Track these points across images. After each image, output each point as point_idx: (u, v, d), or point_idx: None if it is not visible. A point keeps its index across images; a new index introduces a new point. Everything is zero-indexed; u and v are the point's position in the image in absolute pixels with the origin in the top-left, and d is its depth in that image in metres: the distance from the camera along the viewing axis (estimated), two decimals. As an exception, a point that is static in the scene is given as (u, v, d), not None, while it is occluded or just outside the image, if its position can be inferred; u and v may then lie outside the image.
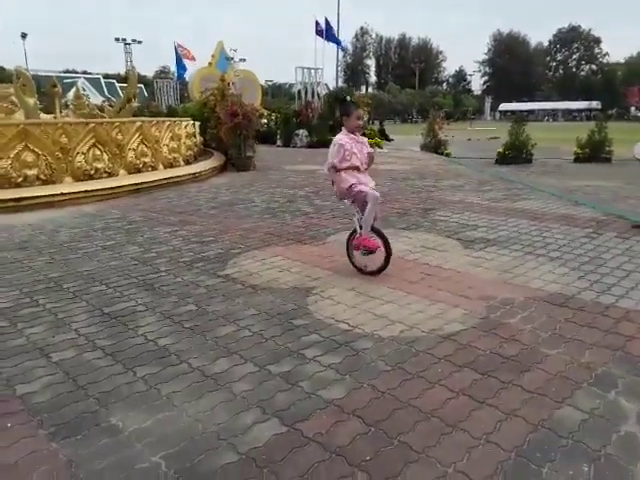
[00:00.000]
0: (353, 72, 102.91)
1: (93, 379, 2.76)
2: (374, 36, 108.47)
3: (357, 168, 4.36)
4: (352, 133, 4.38)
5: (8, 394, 2.64)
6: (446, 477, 1.99)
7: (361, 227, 4.33)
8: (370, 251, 4.34)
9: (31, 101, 10.58)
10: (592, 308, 3.62)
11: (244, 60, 53.05)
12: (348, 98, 4.75)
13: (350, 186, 4.29)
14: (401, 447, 2.17)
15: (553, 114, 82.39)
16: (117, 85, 59.62)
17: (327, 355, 2.99)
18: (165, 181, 9.68)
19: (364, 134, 4.55)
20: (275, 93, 73.30)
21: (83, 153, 8.83)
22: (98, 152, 9.08)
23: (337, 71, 36.73)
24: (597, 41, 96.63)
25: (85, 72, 69.23)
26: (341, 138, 4.30)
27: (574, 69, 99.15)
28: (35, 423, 2.38)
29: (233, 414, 2.42)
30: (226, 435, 2.26)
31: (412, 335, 3.24)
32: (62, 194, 7.79)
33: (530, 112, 73.44)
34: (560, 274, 4.37)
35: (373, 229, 4.35)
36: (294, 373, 2.80)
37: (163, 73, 79.97)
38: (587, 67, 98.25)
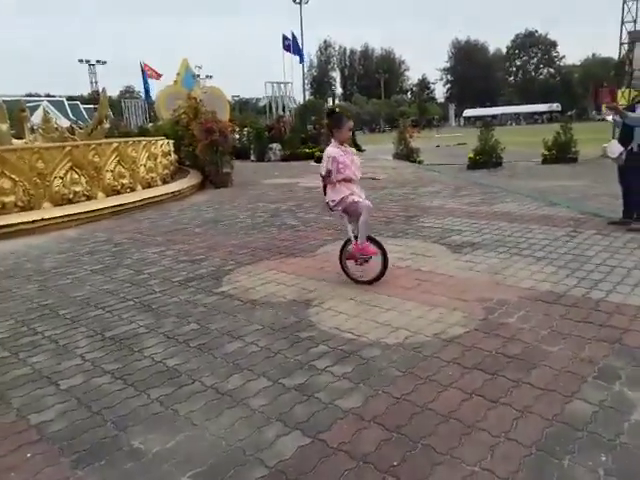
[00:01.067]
0: (319, 85, 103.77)
1: (107, 404, 2.75)
2: (337, 48, 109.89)
3: (350, 180, 4.45)
4: (341, 145, 4.47)
5: (22, 424, 2.60)
6: (473, 476, 2.05)
7: (356, 237, 4.41)
8: (366, 259, 4.44)
9: (3, 127, 10.40)
10: (584, 304, 3.76)
11: (211, 77, 53.10)
12: (337, 110, 4.82)
13: (343, 198, 4.38)
14: (426, 450, 2.22)
15: (516, 118, 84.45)
16: (81, 107, 58.67)
17: (337, 365, 3.04)
18: (145, 201, 9.61)
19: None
20: (242, 108, 73.27)
21: (61, 177, 8.72)
22: (76, 175, 8.97)
23: (304, 84, 37.07)
24: (553, 44, 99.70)
25: (48, 95, 67.97)
26: (335, 151, 4.36)
27: (533, 73, 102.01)
28: (55, 451, 2.36)
29: (255, 429, 2.45)
30: (252, 450, 2.29)
31: (417, 340, 3.31)
32: (43, 219, 7.67)
33: (493, 117, 75.06)
34: (548, 273, 4.52)
35: (370, 238, 4.45)
36: (308, 385, 2.83)
37: (128, 92, 79.21)
38: (545, 70, 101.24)
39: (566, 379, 2.73)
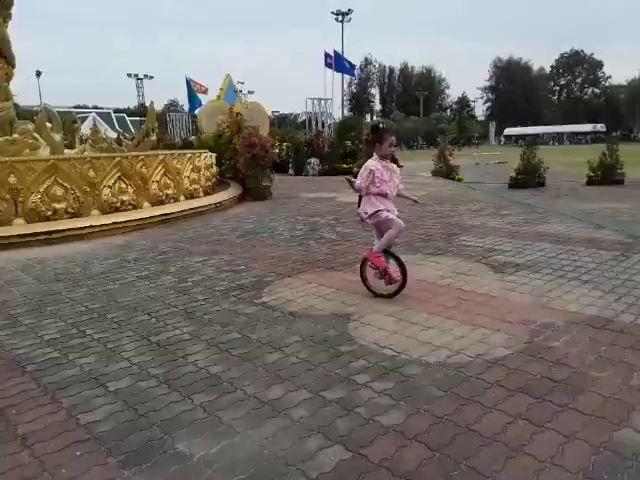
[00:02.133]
0: (358, 101, 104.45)
1: (153, 407, 2.82)
2: (377, 66, 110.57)
3: (386, 195, 4.49)
4: (383, 160, 4.52)
5: (72, 423, 2.70)
6: (519, 500, 2.01)
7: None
8: (381, 274, 4.55)
9: (57, 137, 10.89)
10: (633, 330, 3.65)
11: (252, 92, 54.16)
12: (381, 125, 4.87)
13: (377, 211, 4.46)
14: (469, 472, 2.20)
15: (558, 137, 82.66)
16: (127, 119, 60.73)
17: (378, 381, 3.04)
18: (188, 212, 9.85)
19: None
20: (281, 123, 74.41)
21: (109, 186, 9.05)
22: (124, 185, 9.29)
23: (342, 101, 37.43)
24: (599, 64, 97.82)
25: (96, 107, 70.71)
26: (374, 165, 4.44)
27: (578, 92, 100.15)
28: (104, 451, 2.44)
29: (296, 440, 2.47)
30: (293, 461, 2.31)
31: (459, 360, 3.28)
32: (91, 226, 7.96)
33: (535, 136, 73.77)
34: (595, 297, 4.40)
35: (393, 255, 4.57)
36: (349, 399, 2.84)
37: (172, 106, 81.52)
38: (590, 90, 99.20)
39: (615, 406, 2.66)
